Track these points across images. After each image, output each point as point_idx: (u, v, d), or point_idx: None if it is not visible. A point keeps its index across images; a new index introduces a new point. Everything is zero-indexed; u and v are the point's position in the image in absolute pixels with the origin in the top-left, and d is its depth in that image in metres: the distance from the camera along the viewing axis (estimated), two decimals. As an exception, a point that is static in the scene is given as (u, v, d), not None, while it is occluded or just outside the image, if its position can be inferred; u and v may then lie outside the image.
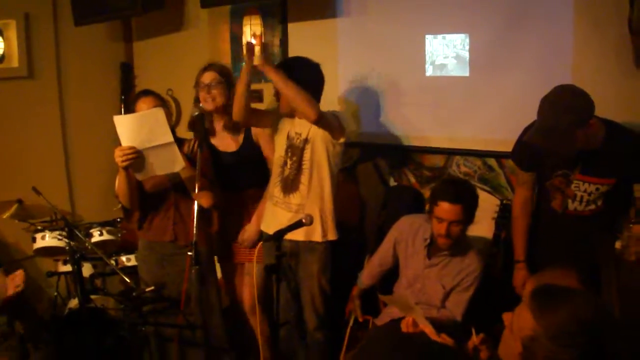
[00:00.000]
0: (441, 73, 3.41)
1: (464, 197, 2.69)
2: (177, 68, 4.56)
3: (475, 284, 2.77)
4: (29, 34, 4.46)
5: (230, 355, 3.28)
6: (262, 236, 3.14)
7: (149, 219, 3.15)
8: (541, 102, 2.43)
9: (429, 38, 3.41)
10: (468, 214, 2.70)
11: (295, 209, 3.01)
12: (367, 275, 3.14)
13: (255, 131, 3.26)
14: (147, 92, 3.09)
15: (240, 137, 3.27)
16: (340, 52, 3.81)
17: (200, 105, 3.13)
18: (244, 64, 2.95)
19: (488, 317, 2.40)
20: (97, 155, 4.50)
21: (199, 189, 2.83)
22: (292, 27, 4.00)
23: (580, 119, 2.35)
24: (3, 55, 4.43)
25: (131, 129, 2.73)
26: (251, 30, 4.06)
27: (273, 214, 3.10)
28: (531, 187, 2.84)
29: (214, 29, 4.43)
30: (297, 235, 2.92)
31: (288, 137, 3.05)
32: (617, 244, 2.51)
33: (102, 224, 3.93)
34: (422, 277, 2.86)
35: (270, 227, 3.03)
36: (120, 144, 2.75)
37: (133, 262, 3.78)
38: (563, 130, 2.35)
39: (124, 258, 3.87)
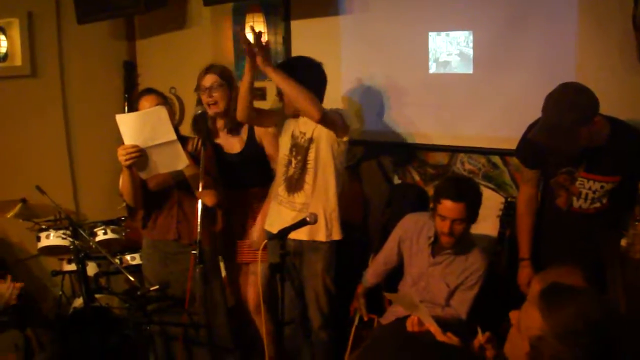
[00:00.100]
0: (445, 70, 3.40)
1: (467, 195, 2.68)
2: (180, 66, 4.55)
3: (479, 282, 2.77)
4: (31, 33, 4.45)
5: (235, 355, 3.28)
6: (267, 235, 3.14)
7: (153, 218, 3.15)
8: (545, 100, 2.42)
9: (432, 35, 3.40)
10: (471, 212, 2.69)
11: (300, 208, 3.00)
12: (372, 273, 3.13)
13: (258, 131, 3.25)
14: (149, 91, 3.09)
15: (244, 138, 3.27)
16: (343, 50, 3.80)
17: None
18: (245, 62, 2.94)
19: (493, 316, 2.40)
20: (101, 154, 4.50)
21: (203, 187, 2.83)
22: (294, 24, 3.99)
23: (584, 117, 2.34)
24: (6, 54, 4.42)
25: (134, 127, 2.73)
26: (252, 28, 4.04)
27: (277, 213, 3.09)
28: (536, 185, 2.83)
29: (216, 27, 4.43)
30: (301, 234, 2.92)
31: (292, 136, 3.05)
32: (623, 242, 2.51)
33: (107, 223, 3.94)
34: (427, 275, 2.86)
35: (274, 226, 3.02)
36: (123, 143, 2.75)
37: (137, 261, 3.78)
38: (567, 127, 2.35)
39: (128, 257, 3.87)
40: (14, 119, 4.42)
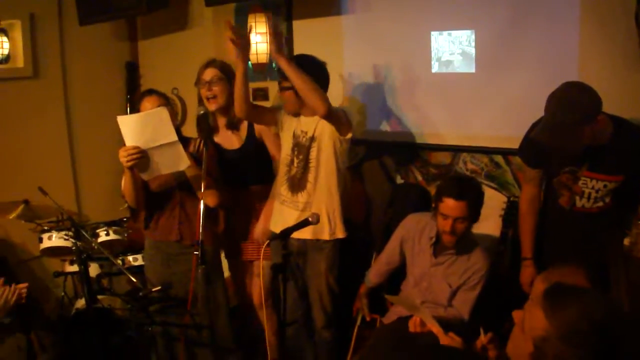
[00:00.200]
0: (447, 70, 3.40)
1: (469, 194, 2.68)
2: (182, 67, 4.54)
3: (481, 282, 2.76)
4: (34, 34, 4.47)
5: (237, 355, 3.27)
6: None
7: (155, 219, 3.15)
8: (548, 99, 2.41)
9: (434, 34, 3.39)
10: (473, 211, 2.69)
11: (302, 207, 3.00)
12: (375, 273, 3.13)
13: (258, 128, 3.24)
14: (151, 92, 3.09)
15: (243, 134, 3.26)
16: (345, 49, 3.80)
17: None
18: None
19: (496, 316, 2.40)
20: (104, 155, 4.50)
21: (205, 188, 2.83)
22: (297, 24, 3.99)
23: (587, 116, 2.33)
24: (8, 56, 4.44)
25: (135, 128, 2.73)
26: (254, 28, 4.03)
27: (280, 213, 3.09)
28: (538, 184, 2.83)
29: (218, 27, 4.42)
30: (305, 234, 2.92)
31: (294, 135, 3.04)
32: (626, 241, 2.50)
33: (109, 224, 3.94)
34: (429, 275, 2.86)
35: (277, 226, 3.02)
36: (125, 144, 2.75)
37: (140, 262, 3.79)
38: (570, 126, 2.34)
39: (130, 258, 3.87)
40: (16, 120, 4.43)
